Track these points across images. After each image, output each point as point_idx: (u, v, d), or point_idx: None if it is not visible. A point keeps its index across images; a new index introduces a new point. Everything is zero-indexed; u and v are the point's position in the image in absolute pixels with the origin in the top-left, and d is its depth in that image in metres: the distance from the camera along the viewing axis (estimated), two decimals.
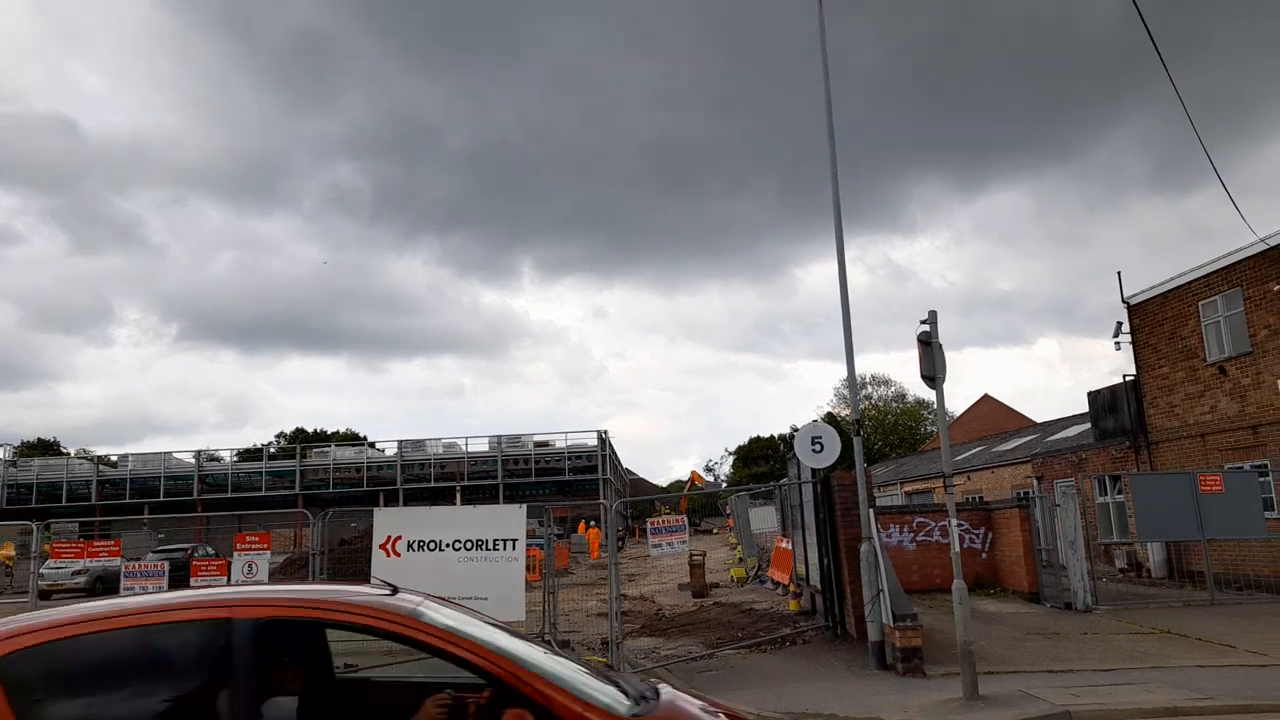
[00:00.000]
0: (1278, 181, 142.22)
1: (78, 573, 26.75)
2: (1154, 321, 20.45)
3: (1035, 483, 25.10)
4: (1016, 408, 59.12)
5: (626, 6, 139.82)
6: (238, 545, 11.26)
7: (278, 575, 23.83)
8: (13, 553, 35.51)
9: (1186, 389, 19.32)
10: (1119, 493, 20.18)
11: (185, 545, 32.70)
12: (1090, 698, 8.43)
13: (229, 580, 11.46)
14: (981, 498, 28.81)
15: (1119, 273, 21.81)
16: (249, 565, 11.13)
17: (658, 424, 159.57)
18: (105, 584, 25.93)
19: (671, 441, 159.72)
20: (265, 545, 11.39)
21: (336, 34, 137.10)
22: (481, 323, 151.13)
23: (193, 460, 58.54)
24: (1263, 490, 16.22)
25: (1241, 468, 17.00)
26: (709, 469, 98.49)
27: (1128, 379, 21.53)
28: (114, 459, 61.44)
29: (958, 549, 9.28)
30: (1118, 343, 21.73)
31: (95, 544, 12.88)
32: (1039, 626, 13.24)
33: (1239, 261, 17.75)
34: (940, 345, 9.69)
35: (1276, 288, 16.65)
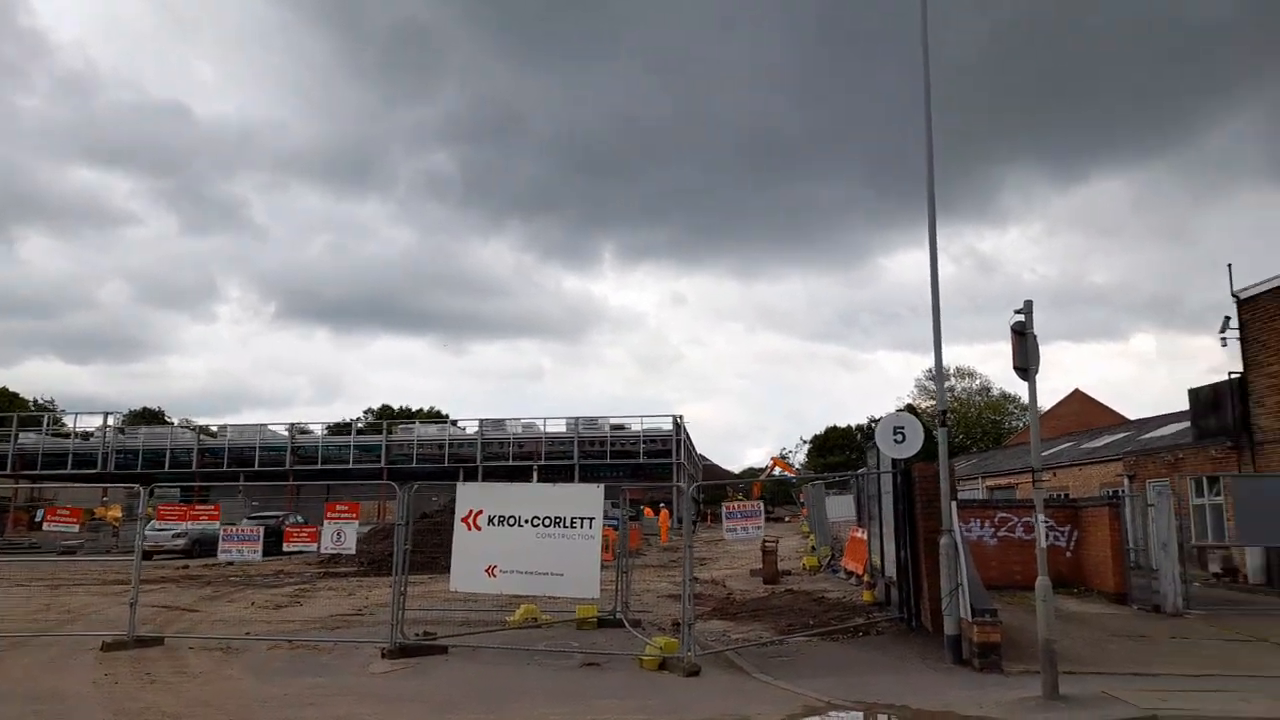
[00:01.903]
0: None
1: (178, 535, 28.28)
2: (1265, 316, 19.37)
3: (1126, 481, 24.15)
4: (1108, 404, 56.92)
5: None
6: (328, 514, 11.71)
7: (362, 545, 24.71)
8: (119, 514, 37.69)
9: None
10: (1217, 494, 19.26)
11: (277, 513, 34.23)
12: (1179, 702, 8.13)
13: (318, 547, 11.95)
14: (1068, 495, 27.87)
15: (1229, 265, 20.63)
16: (338, 533, 11.56)
17: (733, 411, 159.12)
18: (203, 546, 27.37)
19: (747, 429, 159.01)
20: (354, 514, 11.82)
21: (436, 25, 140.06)
22: (562, 307, 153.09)
23: (286, 433, 60.98)
24: None
25: None
26: (783, 456, 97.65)
27: (1233, 376, 20.47)
28: (214, 429, 64.51)
29: (1044, 544, 9.03)
30: (1224, 338, 20.67)
31: (195, 508, 13.59)
32: (1125, 628, 12.79)
33: None
34: (1035, 336, 9.41)
35: None
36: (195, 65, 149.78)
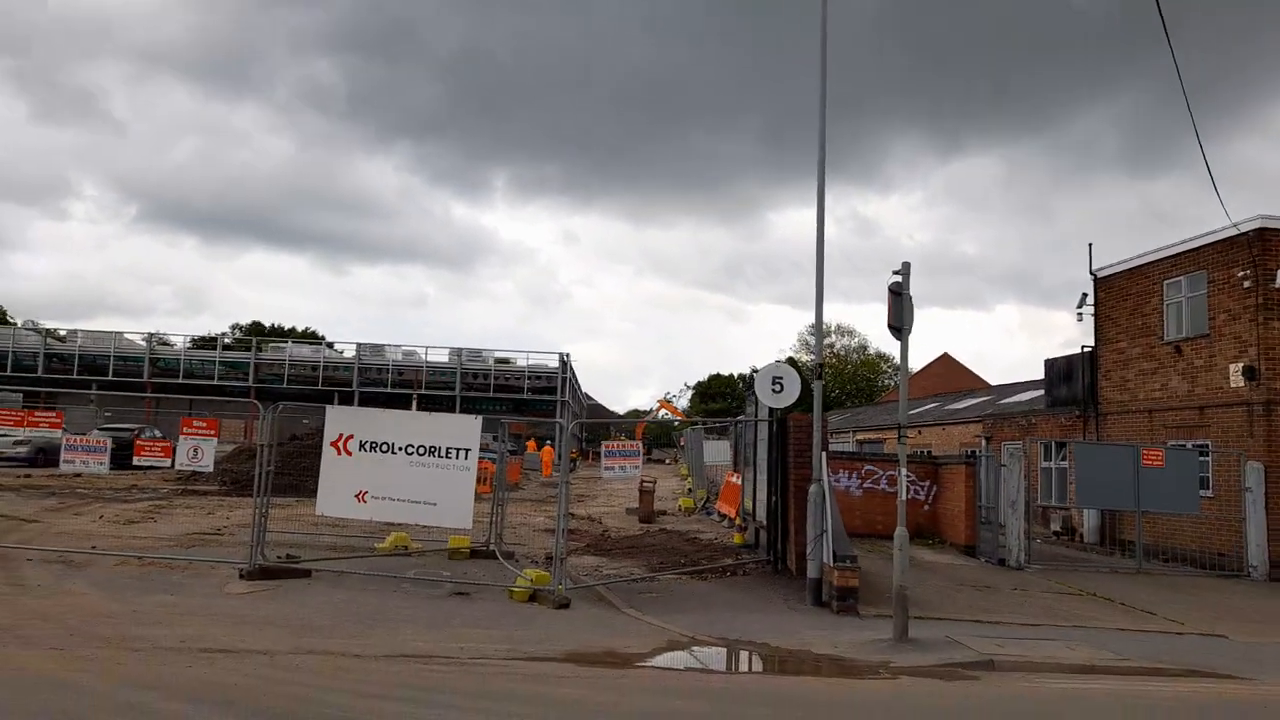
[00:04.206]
0: (1238, 173, 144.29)
1: (20, 442, 26.33)
2: (1118, 296, 20.68)
3: (984, 442, 25.61)
4: (973, 369, 60.19)
5: None
6: (184, 429, 11.03)
7: (225, 464, 23.66)
8: None
9: (1141, 365, 19.67)
10: (1063, 459, 20.68)
11: (132, 425, 32.29)
12: (1014, 649, 8.71)
13: (173, 462, 11.28)
14: (930, 452, 29.40)
15: (1090, 245, 21.98)
16: (194, 449, 10.92)
17: (618, 353, 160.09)
18: (48, 456, 25.58)
19: (631, 371, 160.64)
20: (212, 431, 11.18)
21: None
22: (450, 235, 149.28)
23: (144, 343, 57.47)
24: (1201, 470, 16.71)
25: (1184, 446, 17.46)
26: (669, 400, 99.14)
27: (1085, 350, 21.85)
28: (63, 333, 60.12)
29: (904, 497, 9.41)
30: (1080, 314, 21.98)
31: (35, 414, 12.57)
32: (972, 579, 13.63)
33: (1207, 245, 17.90)
34: (910, 297, 9.66)
35: (1240, 274, 16.85)
36: None
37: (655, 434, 80.00)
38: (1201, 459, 16.94)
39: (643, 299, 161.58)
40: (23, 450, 26.76)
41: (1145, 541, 16.44)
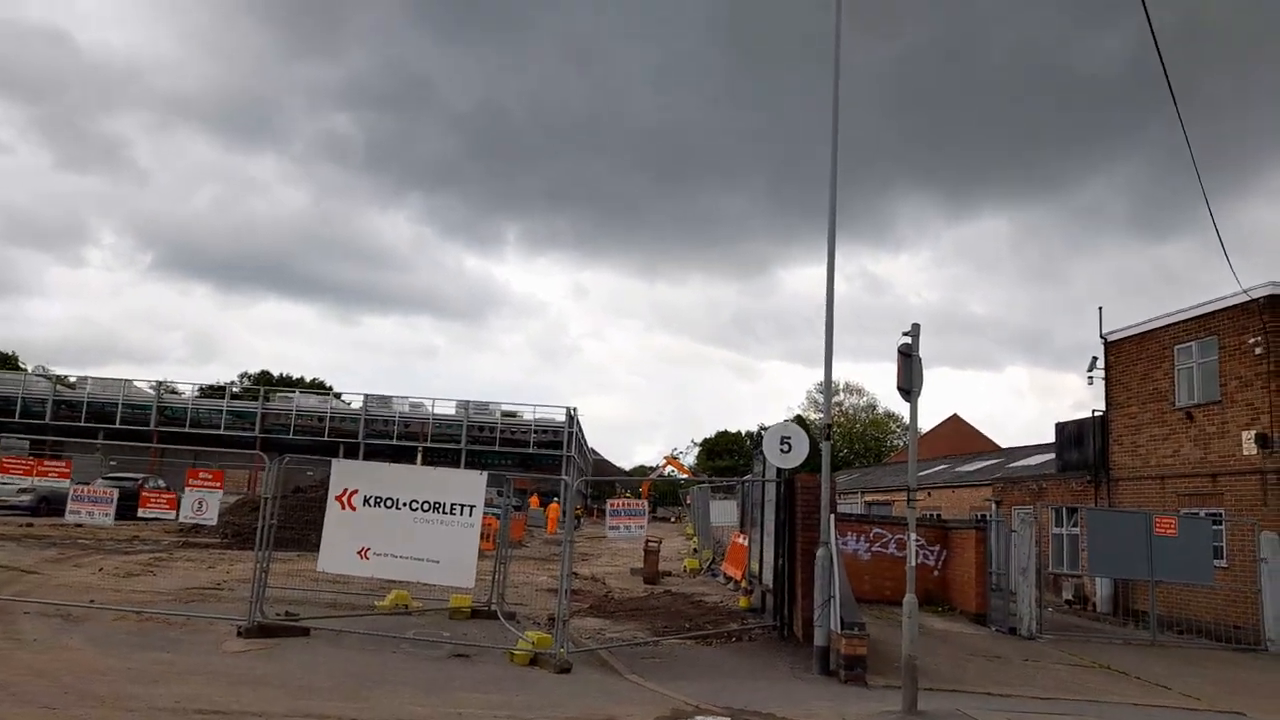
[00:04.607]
0: (1250, 237, 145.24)
1: (23, 490, 26.26)
2: (1129, 360, 20.63)
3: (994, 506, 25.33)
4: (983, 430, 59.81)
5: None
6: (189, 481, 11.00)
7: (227, 516, 23.53)
8: None
9: (1152, 430, 19.52)
10: (1074, 525, 20.40)
11: (137, 475, 32.13)
12: None
13: (177, 515, 11.22)
14: (939, 515, 29.04)
15: (1100, 308, 21.96)
16: (199, 502, 10.87)
17: (627, 407, 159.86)
18: (51, 505, 25.48)
19: (638, 427, 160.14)
20: (218, 483, 11.13)
21: None
22: (461, 287, 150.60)
23: (152, 391, 57.67)
24: (1214, 539, 16.46)
25: (1197, 514, 17.22)
26: (675, 456, 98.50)
27: (1096, 414, 21.72)
28: (72, 380, 60.43)
29: (913, 563, 9.28)
30: (1090, 377, 21.90)
31: (44, 463, 12.55)
32: (983, 648, 13.35)
33: (1218, 311, 17.90)
34: (920, 359, 9.65)
35: (1252, 341, 16.82)
36: None
37: (661, 491, 79.39)
38: (1215, 528, 16.70)
39: (652, 354, 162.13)
40: (25, 499, 26.68)
41: (1159, 612, 16.12)
